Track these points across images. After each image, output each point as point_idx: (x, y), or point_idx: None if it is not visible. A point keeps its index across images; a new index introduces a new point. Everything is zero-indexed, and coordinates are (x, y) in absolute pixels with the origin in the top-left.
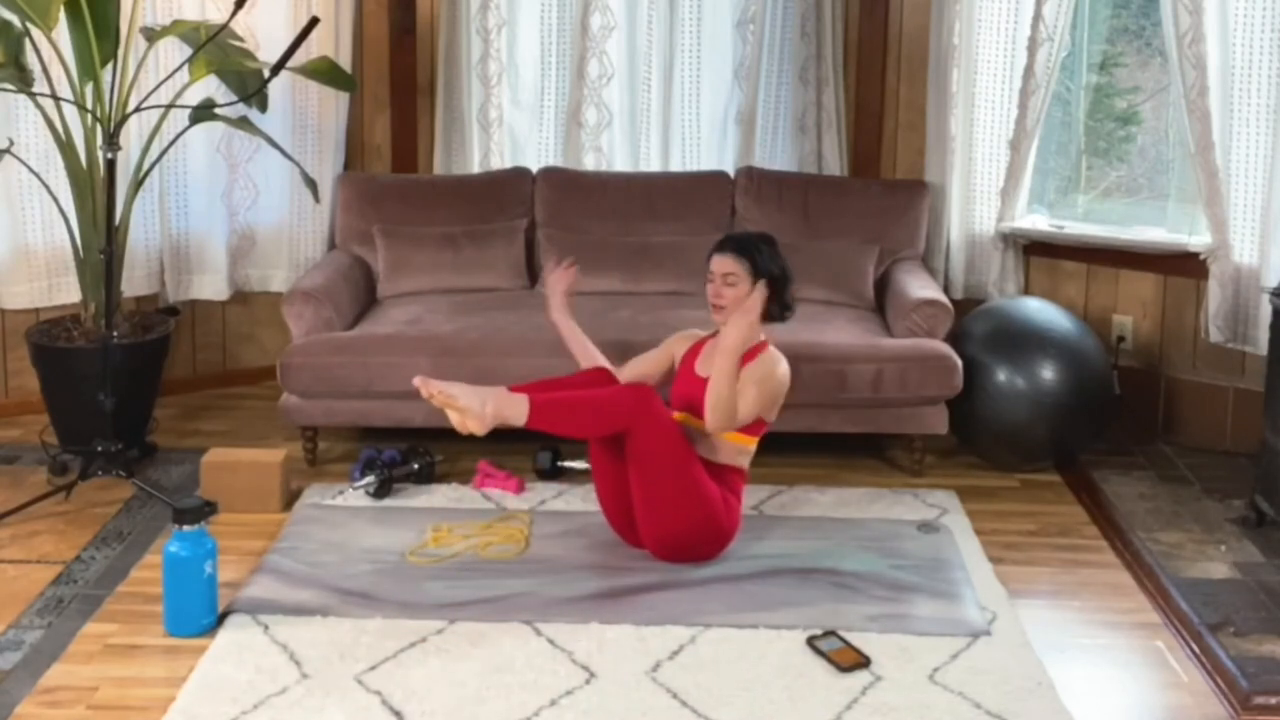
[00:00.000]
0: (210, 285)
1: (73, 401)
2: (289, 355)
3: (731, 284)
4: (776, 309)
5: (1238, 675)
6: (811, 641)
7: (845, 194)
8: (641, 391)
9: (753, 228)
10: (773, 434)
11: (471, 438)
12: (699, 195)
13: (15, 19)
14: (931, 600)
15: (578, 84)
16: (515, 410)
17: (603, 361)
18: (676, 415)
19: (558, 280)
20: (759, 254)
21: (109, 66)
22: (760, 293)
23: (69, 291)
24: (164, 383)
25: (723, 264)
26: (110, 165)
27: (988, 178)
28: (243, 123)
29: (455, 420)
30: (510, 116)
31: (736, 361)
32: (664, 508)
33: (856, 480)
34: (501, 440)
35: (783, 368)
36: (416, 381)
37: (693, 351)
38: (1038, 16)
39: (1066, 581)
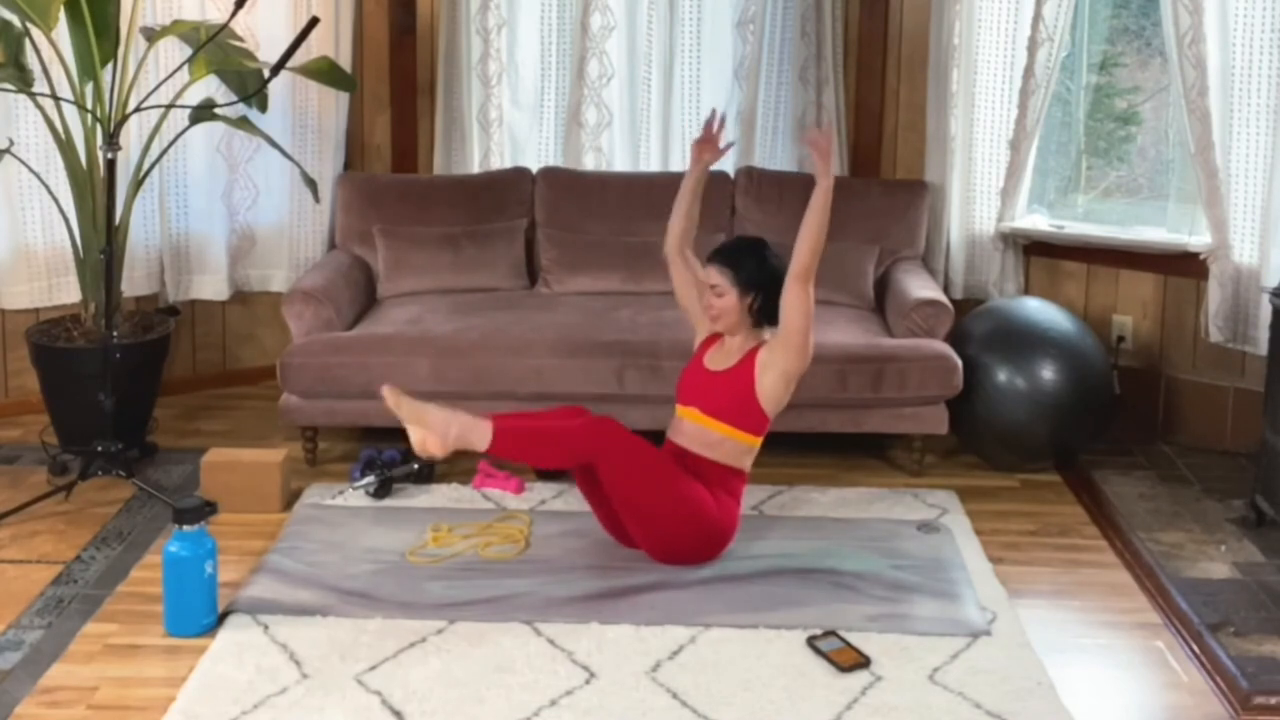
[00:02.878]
0: (210, 285)
1: (73, 401)
2: (289, 355)
3: (719, 294)
4: (771, 313)
5: (1238, 675)
6: (811, 641)
7: (845, 194)
8: (600, 425)
9: (752, 228)
10: (773, 434)
11: None
12: None
13: (15, 19)
14: (931, 600)
15: (578, 84)
16: (478, 434)
17: (694, 221)
18: (680, 410)
19: (705, 150)
20: (745, 265)
21: (109, 66)
22: (833, 153)
23: (69, 291)
24: (164, 383)
25: (709, 275)
26: (110, 165)
27: (988, 178)
28: (243, 123)
29: (416, 438)
30: (510, 116)
31: (829, 200)
32: (653, 522)
33: (856, 480)
34: None
35: None
36: (385, 390)
37: (706, 344)
38: (1038, 16)
39: (1066, 581)
